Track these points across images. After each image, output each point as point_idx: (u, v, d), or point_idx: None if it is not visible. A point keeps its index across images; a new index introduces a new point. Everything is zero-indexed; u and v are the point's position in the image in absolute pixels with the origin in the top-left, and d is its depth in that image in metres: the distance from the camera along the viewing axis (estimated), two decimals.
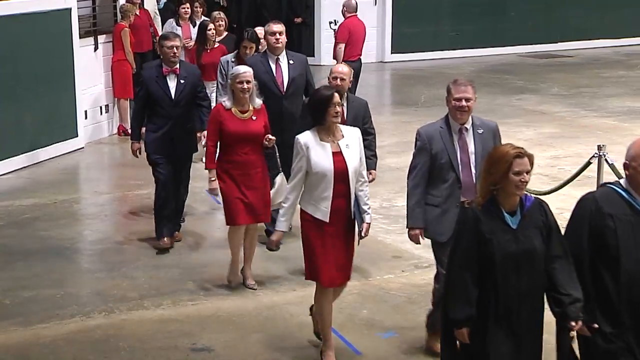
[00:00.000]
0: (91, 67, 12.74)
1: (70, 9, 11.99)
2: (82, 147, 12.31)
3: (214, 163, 7.55)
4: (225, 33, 12.04)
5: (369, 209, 6.20)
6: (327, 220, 6.07)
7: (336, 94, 6.11)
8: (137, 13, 13.77)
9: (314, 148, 6.06)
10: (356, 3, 13.27)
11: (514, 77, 17.54)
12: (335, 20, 14.76)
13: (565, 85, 16.66)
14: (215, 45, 11.41)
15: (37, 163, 11.53)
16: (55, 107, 11.85)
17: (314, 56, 18.56)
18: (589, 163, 8.59)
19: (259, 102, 7.49)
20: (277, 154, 7.86)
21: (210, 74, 10.69)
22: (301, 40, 18.90)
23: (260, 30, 9.48)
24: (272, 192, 7.63)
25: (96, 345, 6.67)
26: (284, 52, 8.47)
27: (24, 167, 11.34)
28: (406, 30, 19.37)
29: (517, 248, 4.74)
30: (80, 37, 12.32)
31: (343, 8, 13.18)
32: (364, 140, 7.13)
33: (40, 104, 11.56)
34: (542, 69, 18.51)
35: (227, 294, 7.55)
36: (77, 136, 12.26)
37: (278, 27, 8.46)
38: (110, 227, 9.36)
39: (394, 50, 19.49)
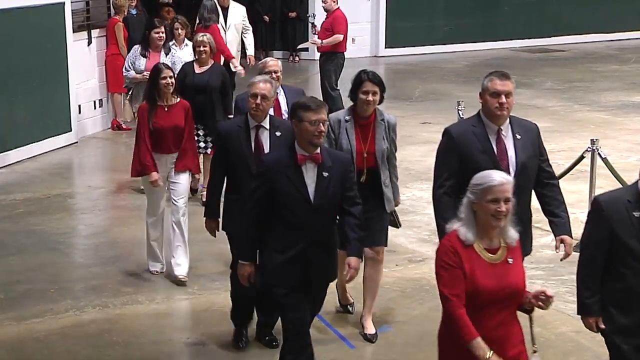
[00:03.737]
0: (85, 62, 12.72)
1: (64, 3, 11.96)
2: (76, 142, 12.30)
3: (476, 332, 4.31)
4: (211, 62, 9.28)
5: None
6: None
7: None
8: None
9: None
10: None
11: (507, 72, 17.52)
12: (313, 14, 14.53)
13: (559, 79, 16.68)
14: (175, 101, 7.65)
15: (30, 157, 11.52)
16: (48, 102, 11.83)
17: (307, 50, 18.56)
18: (582, 157, 8.61)
19: (514, 234, 4.42)
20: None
21: (169, 145, 7.57)
22: (295, 34, 18.90)
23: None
24: None
25: (90, 339, 6.67)
26: (508, 119, 5.55)
27: (18, 161, 11.32)
28: (400, 25, 19.37)
29: None
30: (73, 32, 12.30)
31: (330, 1, 13.06)
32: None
33: (33, 99, 11.55)
34: (536, 64, 18.53)
35: (221, 289, 7.53)
36: (70, 131, 12.25)
37: (505, 84, 5.52)
38: (104, 222, 9.36)
39: (388, 45, 19.49)
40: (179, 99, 7.72)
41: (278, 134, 6.11)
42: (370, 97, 6.21)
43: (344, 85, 13.29)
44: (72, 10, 12.24)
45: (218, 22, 12.26)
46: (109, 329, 6.83)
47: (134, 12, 13.36)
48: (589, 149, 8.44)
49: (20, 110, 11.40)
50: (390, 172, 6.46)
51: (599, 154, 8.39)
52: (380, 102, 6.31)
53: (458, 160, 5.41)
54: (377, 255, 6.51)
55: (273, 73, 7.00)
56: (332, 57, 12.84)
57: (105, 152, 12.40)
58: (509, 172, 5.27)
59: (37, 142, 11.66)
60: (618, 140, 11.63)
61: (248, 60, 12.69)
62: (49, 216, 9.37)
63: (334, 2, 13.03)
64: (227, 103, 9.23)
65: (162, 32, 10.03)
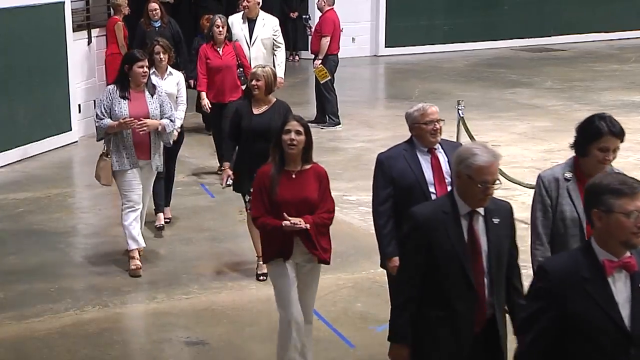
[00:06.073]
0: (85, 61, 12.73)
1: (64, 2, 11.97)
2: (76, 141, 12.30)
3: None
4: (273, 100, 7.43)
5: None
6: None
7: None
8: (219, 51, 10.04)
9: None
10: None
11: (507, 71, 17.56)
12: (308, 16, 14.56)
13: (559, 79, 16.68)
14: (307, 166, 5.80)
15: (30, 157, 11.52)
16: (48, 101, 11.84)
17: (307, 50, 18.57)
18: None
19: None
20: None
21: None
22: (296, 34, 18.90)
23: None
24: None
25: (90, 338, 6.68)
26: None
27: (18, 160, 11.33)
28: (400, 24, 19.39)
29: None
30: (73, 31, 12.31)
31: (321, 1, 13.10)
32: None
33: (33, 98, 11.55)
34: (536, 63, 18.54)
35: (221, 288, 7.55)
36: (70, 130, 12.25)
37: None
38: (104, 221, 9.35)
39: (388, 44, 19.50)
40: (311, 164, 5.80)
41: (496, 221, 4.41)
42: (610, 156, 4.68)
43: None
44: (72, 9, 12.25)
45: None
46: (108, 328, 6.83)
47: (157, 24, 12.15)
48: None
49: (20, 109, 11.41)
50: None
51: None
52: None
53: None
54: None
55: (436, 123, 5.52)
56: (324, 60, 12.80)
57: None
58: None
59: (37, 141, 11.67)
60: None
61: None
62: (49, 215, 9.38)
63: (325, 2, 13.03)
64: None
65: (147, 67, 7.62)
